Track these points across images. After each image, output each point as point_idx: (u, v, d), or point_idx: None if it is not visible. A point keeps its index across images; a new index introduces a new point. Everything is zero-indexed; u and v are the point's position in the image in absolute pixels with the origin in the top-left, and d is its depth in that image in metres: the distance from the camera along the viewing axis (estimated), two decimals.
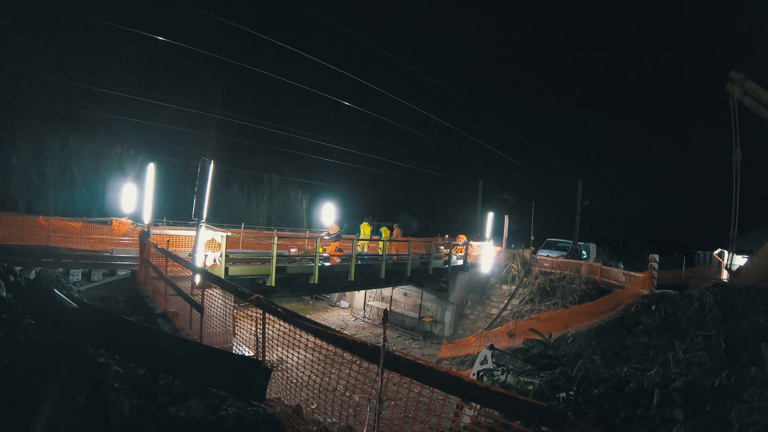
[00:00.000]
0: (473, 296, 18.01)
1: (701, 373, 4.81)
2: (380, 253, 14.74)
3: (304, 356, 3.02)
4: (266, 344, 3.38)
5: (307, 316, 3.13)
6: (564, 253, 20.34)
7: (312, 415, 2.96)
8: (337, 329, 2.84)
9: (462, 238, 19.69)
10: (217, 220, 21.02)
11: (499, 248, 19.87)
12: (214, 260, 9.23)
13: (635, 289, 13.07)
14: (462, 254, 18.49)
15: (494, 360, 7.57)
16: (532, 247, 20.79)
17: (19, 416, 1.85)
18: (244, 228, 19.87)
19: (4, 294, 2.63)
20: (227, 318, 4.53)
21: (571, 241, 23.43)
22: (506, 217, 20.65)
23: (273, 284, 10.20)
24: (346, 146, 27.50)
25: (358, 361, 2.45)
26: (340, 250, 13.45)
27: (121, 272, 8.47)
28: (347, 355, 2.50)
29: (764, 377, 4.12)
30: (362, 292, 19.96)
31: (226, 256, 9.31)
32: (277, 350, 3.30)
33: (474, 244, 19.58)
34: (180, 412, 2.51)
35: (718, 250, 17.20)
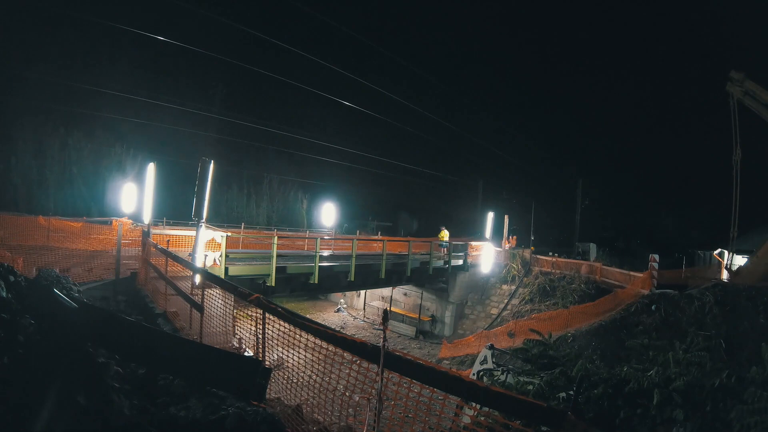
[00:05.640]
0: (473, 296, 18.01)
1: (701, 373, 4.81)
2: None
3: (304, 356, 3.02)
4: (266, 344, 3.38)
5: (307, 316, 3.13)
6: None
7: (312, 414, 2.96)
8: (337, 329, 2.84)
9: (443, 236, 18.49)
10: (217, 220, 21.01)
11: (512, 241, 19.91)
12: (214, 260, 9.23)
13: (635, 289, 13.07)
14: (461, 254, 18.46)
15: (494, 360, 7.57)
16: (532, 247, 20.79)
17: (19, 416, 1.85)
18: (244, 228, 19.88)
19: (4, 294, 2.62)
20: (227, 318, 4.53)
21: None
22: (506, 217, 20.66)
23: (273, 284, 10.20)
24: (346, 146, 27.53)
25: (358, 361, 2.45)
26: None
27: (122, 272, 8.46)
28: (347, 355, 2.50)
29: (764, 377, 4.12)
30: (362, 292, 19.97)
31: (226, 255, 9.31)
32: (277, 350, 3.30)
33: (474, 243, 19.58)
34: (180, 412, 2.51)
35: (718, 250, 17.20)
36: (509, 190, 30.31)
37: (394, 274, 14.84)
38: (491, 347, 7.86)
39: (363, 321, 19.51)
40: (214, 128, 22.75)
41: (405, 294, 19.23)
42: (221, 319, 4.58)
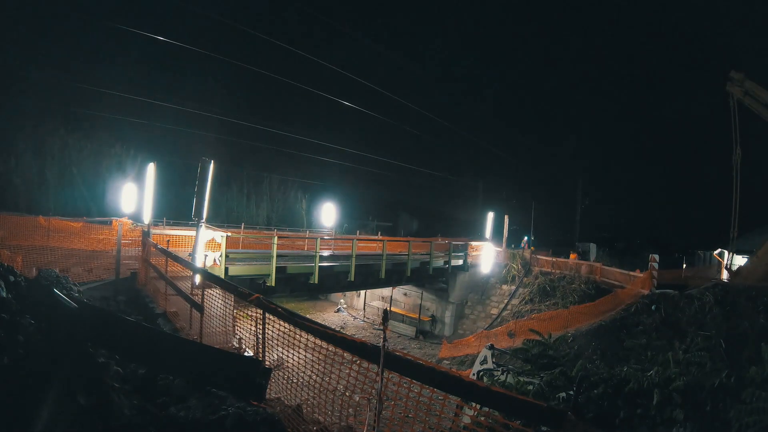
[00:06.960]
0: (473, 296, 18.01)
1: (701, 373, 4.81)
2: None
3: (304, 356, 3.02)
4: (266, 344, 3.38)
5: (307, 316, 3.13)
6: None
7: (312, 414, 2.96)
8: (337, 329, 2.84)
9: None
10: (217, 220, 21.01)
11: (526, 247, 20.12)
12: (214, 260, 9.23)
13: (635, 289, 13.07)
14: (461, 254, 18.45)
15: (494, 360, 7.57)
16: (532, 247, 20.79)
17: (20, 416, 1.85)
18: (244, 228, 19.88)
19: (4, 294, 2.62)
20: (227, 318, 4.54)
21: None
22: (506, 216, 20.66)
23: (273, 284, 10.20)
24: (347, 146, 27.56)
25: (358, 361, 2.45)
26: None
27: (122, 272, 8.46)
28: (347, 355, 2.50)
29: (764, 377, 4.12)
30: (362, 292, 19.97)
31: (226, 255, 9.31)
32: (277, 350, 3.30)
33: (474, 243, 19.58)
34: (180, 412, 2.51)
35: (718, 250, 17.21)
36: (509, 190, 30.32)
37: (394, 274, 14.84)
38: (491, 347, 7.86)
39: (363, 321, 19.51)
40: (214, 128, 22.78)
41: (405, 294, 19.22)
42: (221, 319, 4.58)
